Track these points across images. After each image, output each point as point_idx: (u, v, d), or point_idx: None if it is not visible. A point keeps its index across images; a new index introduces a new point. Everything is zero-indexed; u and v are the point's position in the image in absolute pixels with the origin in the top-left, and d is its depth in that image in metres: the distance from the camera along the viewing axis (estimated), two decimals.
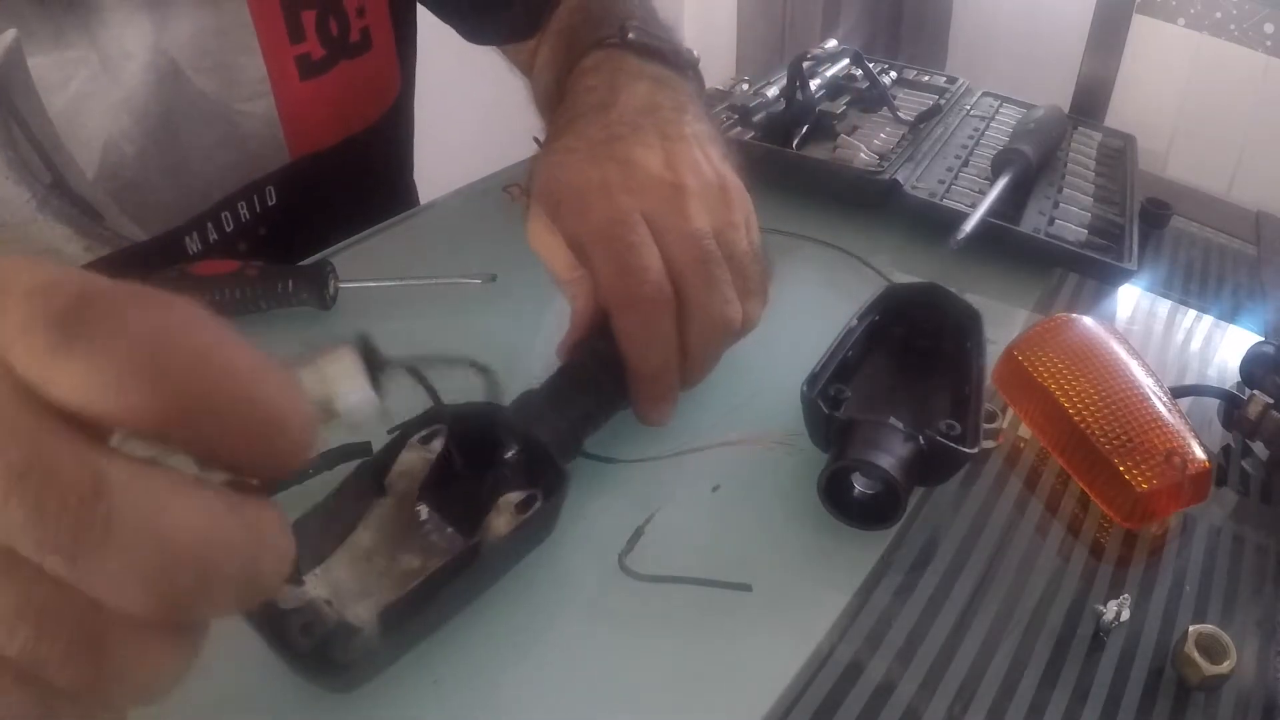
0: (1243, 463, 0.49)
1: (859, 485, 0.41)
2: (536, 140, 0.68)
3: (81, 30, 0.51)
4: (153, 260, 0.57)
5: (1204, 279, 0.67)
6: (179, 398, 0.19)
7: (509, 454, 0.38)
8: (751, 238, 0.45)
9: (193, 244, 0.61)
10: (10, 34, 0.48)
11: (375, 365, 0.26)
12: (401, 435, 0.38)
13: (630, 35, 0.52)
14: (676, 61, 0.53)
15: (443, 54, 0.77)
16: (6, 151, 0.51)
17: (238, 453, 0.21)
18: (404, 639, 0.34)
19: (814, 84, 0.74)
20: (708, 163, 0.45)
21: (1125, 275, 0.60)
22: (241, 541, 0.20)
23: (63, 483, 0.18)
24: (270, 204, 0.64)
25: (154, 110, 0.56)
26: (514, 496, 0.37)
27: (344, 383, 0.26)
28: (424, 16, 0.73)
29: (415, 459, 0.37)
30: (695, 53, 0.54)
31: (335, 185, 0.66)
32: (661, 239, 0.41)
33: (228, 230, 0.63)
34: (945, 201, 0.64)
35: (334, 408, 0.26)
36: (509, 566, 0.38)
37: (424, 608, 0.34)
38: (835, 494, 0.41)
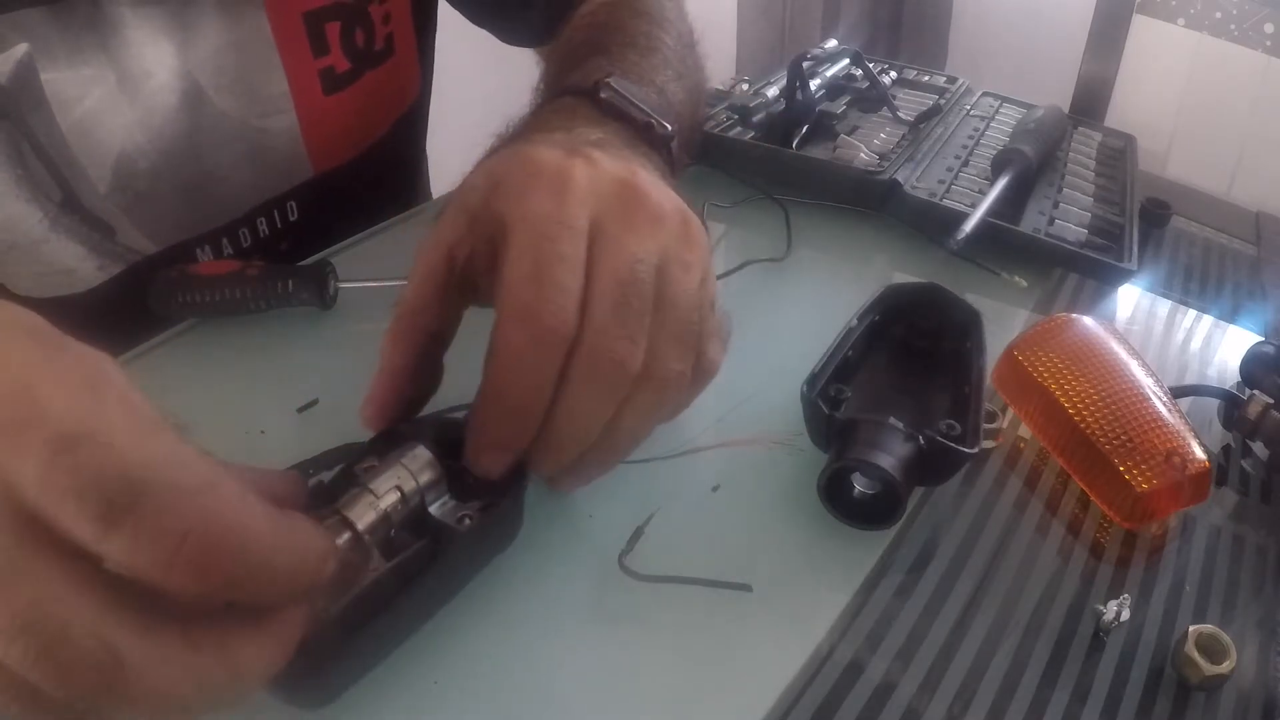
0: (1243, 463, 0.49)
1: (859, 485, 0.41)
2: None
3: (99, 48, 0.50)
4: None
5: (1204, 279, 0.67)
6: (219, 573, 0.23)
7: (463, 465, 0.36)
8: (706, 286, 0.38)
9: (204, 256, 0.60)
10: (21, 48, 0.47)
11: (442, 456, 0.34)
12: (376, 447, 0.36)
13: (602, 95, 0.46)
14: (648, 135, 0.46)
15: (455, 49, 0.76)
16: (15, 169, 0.50)
17: (258, 599, 0.25)
18: (364, 649, 0.33)
19: (814, 84, 0.74)
20: (674, 195, 0.39)
21: (1125, 275, 0.60)
22: (230, 686, 0.24)
23: (78, 646, 0.21)
24: (292, 219, 0.64)
25: (172, 130, 0.55)
26: (470, 507, 0.35)
27: (423, 475, 0.33)
28: (443, 10, 0.72)
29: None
30: (671, 129, 0.47)
31: (355, 193, 0.66)
32: (597, 252, 0.35)
33: (245, 245, 0.62)
34: (945, 201, 0.64)
35: (414, 492, 0.33)
36: (469, 575, 0.37)
37: (377, 616, 0.32)
38: (835, 494, 0.41)
